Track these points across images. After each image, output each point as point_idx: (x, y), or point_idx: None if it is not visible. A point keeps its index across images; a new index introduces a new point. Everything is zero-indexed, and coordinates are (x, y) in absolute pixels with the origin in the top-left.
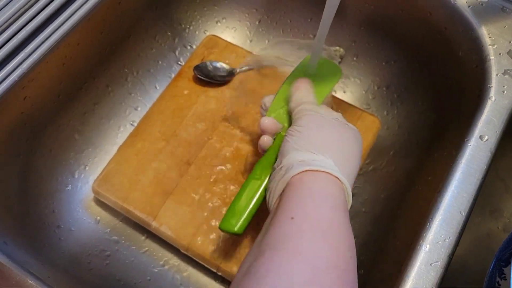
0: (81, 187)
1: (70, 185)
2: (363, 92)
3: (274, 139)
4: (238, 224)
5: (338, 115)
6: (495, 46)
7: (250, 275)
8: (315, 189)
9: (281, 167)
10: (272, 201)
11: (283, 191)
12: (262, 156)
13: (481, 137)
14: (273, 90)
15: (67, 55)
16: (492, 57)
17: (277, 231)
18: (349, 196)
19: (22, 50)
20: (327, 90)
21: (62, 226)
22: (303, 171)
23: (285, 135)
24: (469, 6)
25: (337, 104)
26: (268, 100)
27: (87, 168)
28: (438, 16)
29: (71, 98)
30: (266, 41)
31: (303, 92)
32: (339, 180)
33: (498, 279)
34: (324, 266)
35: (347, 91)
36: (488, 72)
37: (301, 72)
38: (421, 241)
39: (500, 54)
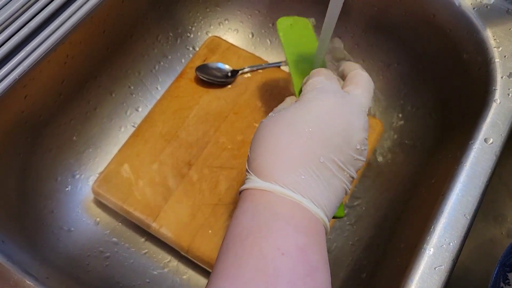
0: (81, 188)
1: (70, 186)
2: None
3: None
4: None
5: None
6: (500, 48)
7: None
8: (262, 220)
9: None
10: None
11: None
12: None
13: (486, 140)
14: (275, 91)
15: (68, 54)
16: (497, 60)
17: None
18: (326, 226)
19: (23, 48)
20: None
21: (61, 226)
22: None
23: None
24: (474, 8)
25: None
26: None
27: (87, 168)
28: (442, 18)
29: (72, 98)
30: (269, 43)
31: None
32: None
33: (502, 284)
34: None
35: None
36: (493, 74)
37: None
38: (425, 245)
39: (505, 56)
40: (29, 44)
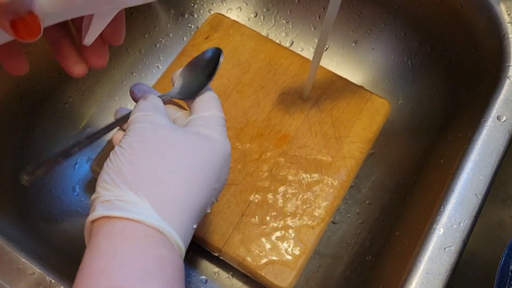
0: (79, 167)
1: (68, 165)
2: (374, 73)
3: None
4: None
5: (182, 117)
6: None
7: None
8: (112, 253)
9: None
10: None
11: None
12: None
13: (498, 118)
14: (279, 70)
15: None
16: (510, 36)
17: None
18: (180, 247)
19: None
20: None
21: (59, 206)
22: (100, 218)
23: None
24: None
25: (346, 86)
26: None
27: (86, 147)
28: None
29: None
30: (273, 21)
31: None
32: (160, 232)
33: (511, 267)
34: None
35: (355, 73)
36: (507, 50)
37: None
38: (434, 225)
39: None
40: None
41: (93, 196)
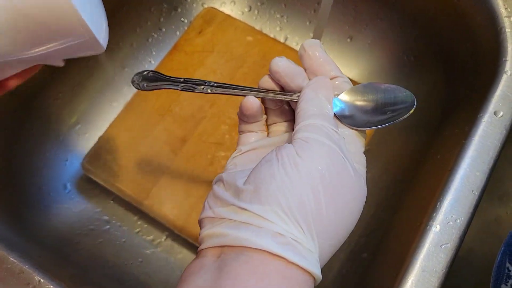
0: (70, 164)
1: (58, 162)
2: (370, 68)
3: None
4: None
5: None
6: (511, 18)
7: None
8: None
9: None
10: None
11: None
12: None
13: (495, 113)
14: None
15: None
16: (508, 30)
17: None
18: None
19: None
20: None
21: (50, 204)
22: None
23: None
24: None
25: None
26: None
27: (77, 144)
28: None
29: (60, 70)
30: (267, 15)
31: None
32: (307, 271)
33: (508, 264)
34: None
35: (351, 68)
36: (504, 45)
37: None
38: (431, 222)
39: None
40: None
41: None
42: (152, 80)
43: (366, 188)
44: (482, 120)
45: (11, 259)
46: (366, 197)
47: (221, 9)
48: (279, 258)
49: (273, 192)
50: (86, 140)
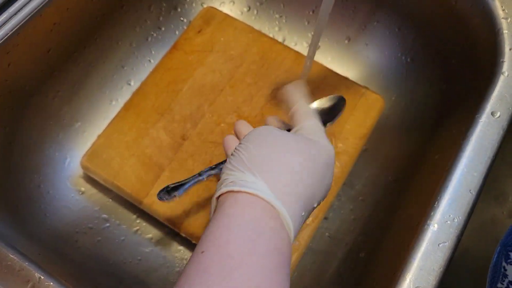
0: (69, 162)
1: (57, 160)
2: (368, 69)
3: None
4: None
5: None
6: (509, 19)
7: None
8: (232, 215)
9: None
10: None
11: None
12: None
13: (492, 114)
14: (272, 65)
15: (55, 22)
16: (505, 31)
17: (188, 266)
18: (289, 226)
19: (5, 10)
20: None
21: (49, 202)
22: (224, 193)
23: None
24: None
25: (340, 81)
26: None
27: (76, 142)
28: None
29: (59, 68)
30: (266, 15)
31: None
32: (272, 205)
33: (504, 264)
34: None
35: (349, 68)
36: (501, 46)
37: None
38: (428, 221)
39: None
40: (12, 5)
41: (219, 182)
42: (177, 188)
43: (312, 145)
44: (480, 120)
45: (11, 256)
46: (366, 196)
47: (221, 8)
48: (238, 193)
49: (228, 163)
50: (85, 138)
